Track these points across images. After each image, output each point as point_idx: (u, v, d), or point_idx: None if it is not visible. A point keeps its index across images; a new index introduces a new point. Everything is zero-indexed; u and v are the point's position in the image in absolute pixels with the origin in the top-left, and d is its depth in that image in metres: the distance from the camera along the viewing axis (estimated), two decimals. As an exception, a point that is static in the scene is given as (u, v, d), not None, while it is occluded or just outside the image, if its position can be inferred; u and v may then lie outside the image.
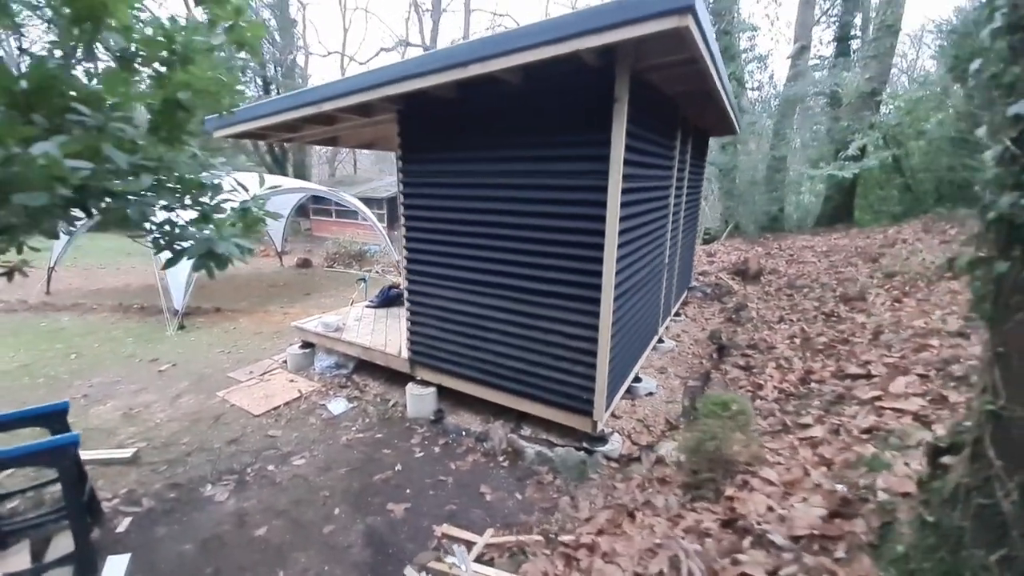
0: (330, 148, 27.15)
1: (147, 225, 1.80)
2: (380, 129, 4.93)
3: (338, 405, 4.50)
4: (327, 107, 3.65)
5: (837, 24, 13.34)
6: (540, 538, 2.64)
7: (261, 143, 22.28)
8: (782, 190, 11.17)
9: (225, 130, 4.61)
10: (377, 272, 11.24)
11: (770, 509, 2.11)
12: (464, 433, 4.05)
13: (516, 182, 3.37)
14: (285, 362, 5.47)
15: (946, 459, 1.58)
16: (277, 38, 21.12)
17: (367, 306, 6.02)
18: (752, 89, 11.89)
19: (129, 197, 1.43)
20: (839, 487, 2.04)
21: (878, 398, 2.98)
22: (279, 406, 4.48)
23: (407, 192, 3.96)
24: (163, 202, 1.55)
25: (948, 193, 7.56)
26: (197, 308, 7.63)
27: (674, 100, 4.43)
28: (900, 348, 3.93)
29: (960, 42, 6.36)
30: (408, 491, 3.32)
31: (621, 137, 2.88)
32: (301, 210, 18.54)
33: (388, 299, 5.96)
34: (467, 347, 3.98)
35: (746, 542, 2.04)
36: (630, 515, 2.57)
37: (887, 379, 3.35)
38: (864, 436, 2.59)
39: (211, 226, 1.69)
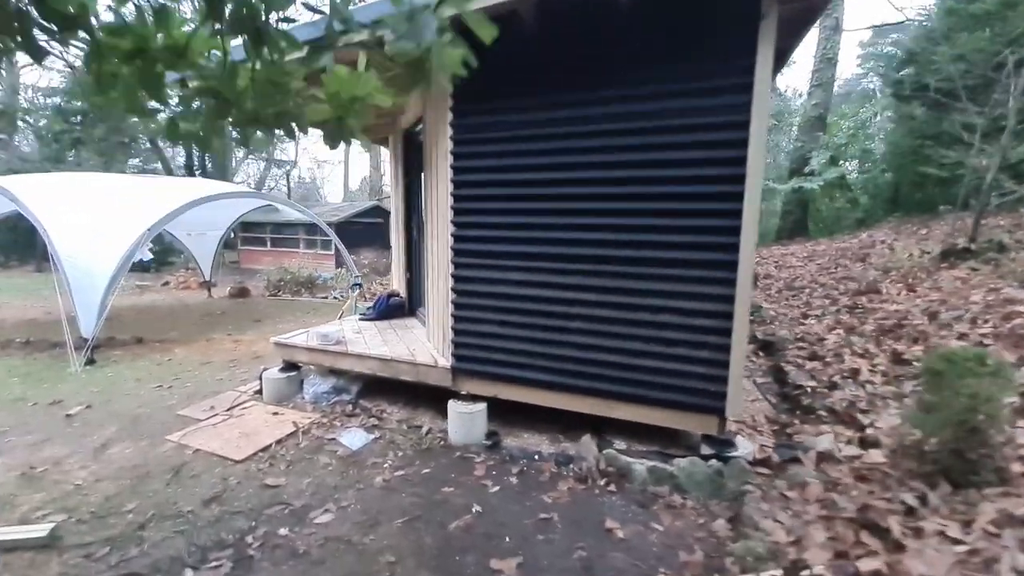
0: (261, 166, 24.97)
1: None
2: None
3: (355, 438, 3.36)
4: None
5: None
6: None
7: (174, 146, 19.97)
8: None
9: None
10: (336, 297, 9.84)
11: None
12: (536, 457, 3.14)
13: (618, 127, 2.75)
14: (259, 392, 4.15)
15: None
16: None
17: (361, 319, 4.91)
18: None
19: None
20: None
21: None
22: (269, 445, 3.24)
23: (459, 152, 3.16)
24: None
25: (906, 201, 8.32)
26: (109, 340, 5.87)
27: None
28: (982, 321, 3.78)
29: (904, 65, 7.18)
30: (508, 540, 2.34)
31: (768, 63, 2.42)
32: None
33: (389, 309, 4.90)
34: (539, 343, 3.14)
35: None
36: (871, 526, 1.88)
37: (1014, 341, 3.09)
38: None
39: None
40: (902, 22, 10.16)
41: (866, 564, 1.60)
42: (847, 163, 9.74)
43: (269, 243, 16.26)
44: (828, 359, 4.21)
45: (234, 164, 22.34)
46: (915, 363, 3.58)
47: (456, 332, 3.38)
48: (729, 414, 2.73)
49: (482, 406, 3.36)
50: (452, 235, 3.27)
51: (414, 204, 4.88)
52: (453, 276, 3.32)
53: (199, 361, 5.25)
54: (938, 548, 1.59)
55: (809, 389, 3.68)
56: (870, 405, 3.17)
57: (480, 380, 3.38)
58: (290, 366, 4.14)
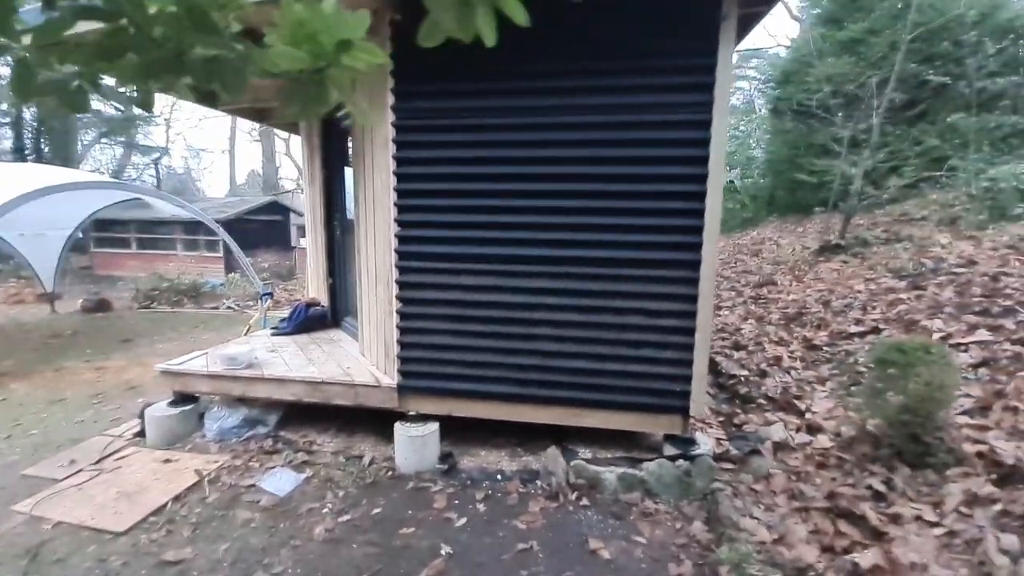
0: (119, 152, 20.95)
1: None
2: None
3: (281, 481, 2.80)
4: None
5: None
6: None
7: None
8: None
9: None
10: (230, 307, 8.53)
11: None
12: (499, 477, 2.90)
13: (581, 120, 2.60)
14: (140, 433, 3.32)
15: None
16: None
17: (275, 334, 4.20)
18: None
19: None
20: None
21: (948, 336, 3.08)
22: (164, 506, 2.55)
23: (403, 141, 2.77)
24: None
25: (782, 203, 9.57)
26: (-101, 380, 4.35)
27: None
28: (871, 308, 4.35)
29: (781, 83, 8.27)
30: (488, 582, 2.07)
31: (729, 64, 2.44)
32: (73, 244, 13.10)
33: (308, 321, 4.26)
34: (498, 353, 2.89)
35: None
36: (846, 515, 1.95)
37: (904, 326, 3.56)
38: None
39: None
40: (761, 48, 11.84)
41: (865, 559, 1.63)
42: (734, 169, 11.02)
43: (135, 244, 13.68)
44: (751, 348, 4.55)
45: (80, 148, 18.39)
46: (825, 348, 4.01)
47: (402, 346, 2.99)
48: (693, 412, 2.75)
49: (434, 426, 3.01)
50: (396, 235, 2.87)
51: (337, 201, 4.30)
52: (398, 283, 2.92)
53: (47, 399, 4.08)
54: (919, 533, 1.68)
55: (743, 378, 3.92)
56: (800, 390, 3.45)
57: (432, 398, 3.03)
58: (185, 398, 3.37)
